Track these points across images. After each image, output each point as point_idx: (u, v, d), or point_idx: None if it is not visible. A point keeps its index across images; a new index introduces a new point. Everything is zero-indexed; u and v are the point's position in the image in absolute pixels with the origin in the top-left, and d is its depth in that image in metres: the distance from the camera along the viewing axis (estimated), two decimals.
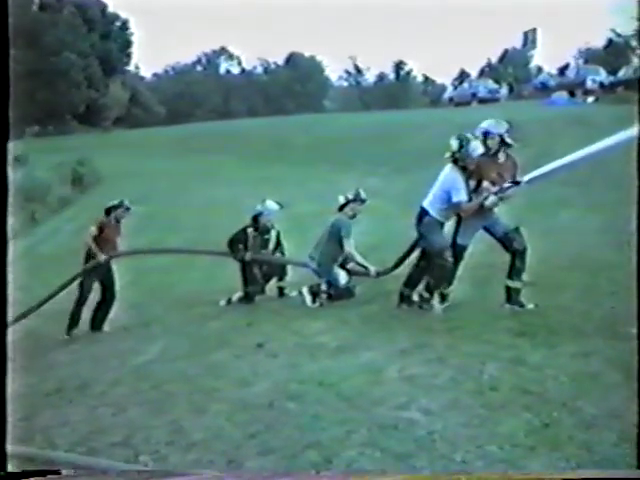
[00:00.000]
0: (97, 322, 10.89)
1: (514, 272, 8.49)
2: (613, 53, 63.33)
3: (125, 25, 65.55)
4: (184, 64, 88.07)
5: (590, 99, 40.11)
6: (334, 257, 10.03)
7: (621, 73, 43.53)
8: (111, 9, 62.92)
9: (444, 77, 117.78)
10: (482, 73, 74.68)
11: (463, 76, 74.06)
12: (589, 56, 68.40)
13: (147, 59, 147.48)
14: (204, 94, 79.90)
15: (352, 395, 5.80)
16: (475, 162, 8.36)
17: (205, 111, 74.81)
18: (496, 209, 8.47)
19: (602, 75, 44.54)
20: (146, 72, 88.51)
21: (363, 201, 10.15)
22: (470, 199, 8.38)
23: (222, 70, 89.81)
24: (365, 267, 9.98)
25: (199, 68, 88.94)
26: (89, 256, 10.72)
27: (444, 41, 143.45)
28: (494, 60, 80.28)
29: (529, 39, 69.23)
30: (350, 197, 10.10)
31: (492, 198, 8.26)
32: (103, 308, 10.97)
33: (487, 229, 8.60)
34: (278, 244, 11.36)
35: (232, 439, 5.21)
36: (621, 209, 18.17)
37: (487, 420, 5.05)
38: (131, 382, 7.13)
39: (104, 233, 10.75)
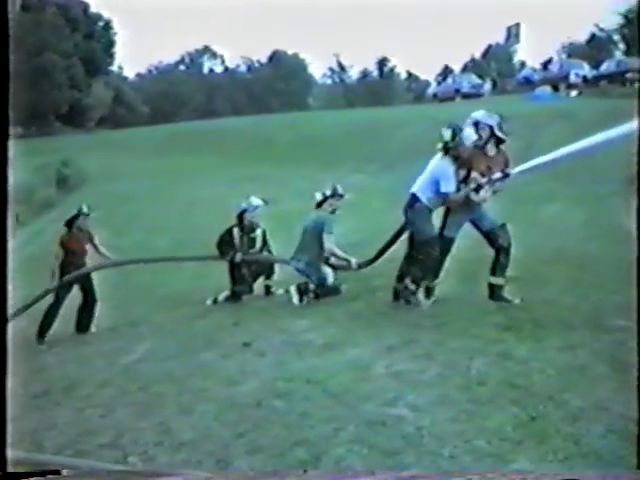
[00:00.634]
0: (83, 325, 10.85)
1: (497, 268, 8.48)
2: (596, 47, 63.68)
3: (108, 25, 65.41)
4: (167, 64, 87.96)
5: (573, 93, 40.19)
6: (320, 255, 9.99)
7: (604, 67, 43.66)
8: (94, 9, 62.83)
9: (428, 73, 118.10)
10: (465, 68, 74.87)
11: (447, 72, 74.28)
12: (572, 51, 68.59)
13: (130, 59, 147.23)
14: (188, 93, 79.72)
15: (339, 392, 5.80)
16: (467, 151, 8.31)
17: (189, 110, 74.66)
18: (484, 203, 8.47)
19: (585, 69, 44.65)
20: (129, 72, 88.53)
21: (341, 196, 10.08)
22: (459, 189, 8.33)
23: (205, 69, 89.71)
24: (346, 260, 9.95)
25: (182, 67, 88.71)
26: (63, 272, 10.66)
27: (427, 37, 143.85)
28: (477, 55, 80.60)
29: (512, 34, 69.51)
30: (328, 193, 10.06)
31: (482, 193, 8.24)
32: (87, 311, 10.93)
33: (474, 223, 8.57)
34: (265, 243, 11.35)
35: (220, 438, 5.21)
36: (606, 202, 18.35)
37: (475, 415, 5.06)
38: (119, 383, 7.13)
39: (70, 247, 10.73)
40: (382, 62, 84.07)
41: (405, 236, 9.09)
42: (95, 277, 11.22)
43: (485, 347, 6.59)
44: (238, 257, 10.81)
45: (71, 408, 6.54)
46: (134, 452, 5.15)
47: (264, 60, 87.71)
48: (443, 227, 8.64)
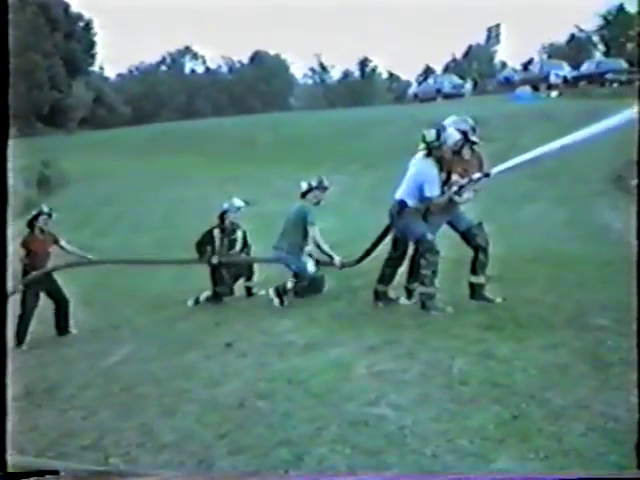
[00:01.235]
0: (62, 327, 10.77)
1: (477, 267, 8.48)
2: (576, 48, 64.07)
3: (89, 25, 65.16)
4: (149, 64, 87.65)
5: (554, 93, 40.33)
6: (301, 245, 9.95)
7: (584, 68, 43.87)
8: (74, 9, 62.54)
9: (409, 73, 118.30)
10: (447, 69, 75.17)
11: (428, 72, 74.45)
12: (552, 51, 68.98)
13: (111, 59, 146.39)
14: (169, 94, 79.52)
15: (322, 392, 5.81)
16: (449, 152, 8.27)
17: (170, 111, 74.39)
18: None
19: (565, 70, 44.84)
20: (110, 72, 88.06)
21: (325, 188, 10.06)
22: (442, 192, 8.30)
23: (187, 70, 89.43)
24: (330, 257, 9.90)
25: (164, 68, 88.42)
26: (26, 273, 10.50)
27: (409, 38, 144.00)
28: (459, 56, 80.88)
29: (492, 35, 69.80)
30: (313, 184, 10.05)
31: (466, 195, 8.25)
32: (61, 313, 10.79)
33: (451, 223, 8.58)
34: (245, 244, 11.34)
35: (203, 439, 5.20)
36: (586, 202, 18.43)
37: (457, 414, 5.08)
38: (101, 385, 7.11)
39: (31, 248, 10.56)
40: (363, 62, 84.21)
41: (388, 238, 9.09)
42: (76, 279, 11.16)
43: (467, 346, 6.61)
44: (214, 259, 10.78)
45: (53, 410, 6.51)
46: (116, 454, 5.13)
47: (245, 60, 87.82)
48: None
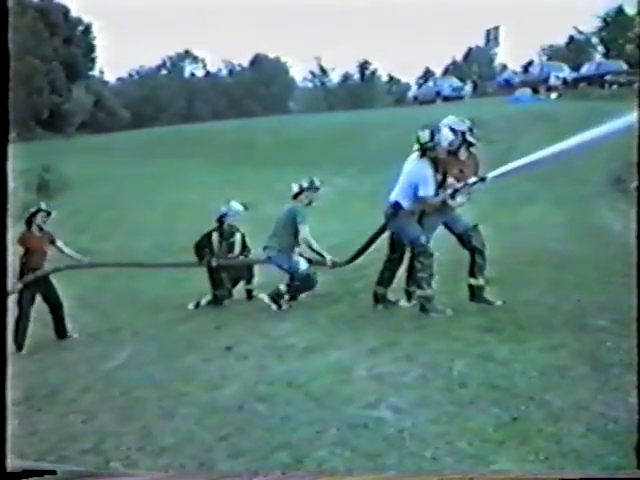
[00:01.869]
0: (59, 330, 10.72)
1: (475, 269, 8.46)
2: (575, 50, 64.05)
3: (88, 29, 65.08)
4: (148, 68, 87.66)
5: (553, 95, 40.33)
6: (292, 245, 9.94)
7: (584, 69, 43.84)
8: (74, 13, 62.51)
9: (409, 76, 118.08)
10: (447, 71, 75.02)
11: (427, 75, 74.49)
12: (552, 53, 68.93)
13: (111, 63, 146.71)
14: (169, 98, 79.53)
15: (321, 395, 5.81)
16: (444, 153, 8.26)
17: (170, 114, 74.38)
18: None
19: (565, 72, 44.79)
20: (110, 76, 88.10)
21: (317, 189, 10.08)
22: (437, 193, 8.29)
23: (187, 73, 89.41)
24: (322, 255, 9.91)
25: (164, 72, 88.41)
26: (23, 272, 10.44)
27: (409, 40, 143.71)
28: (459, 58, 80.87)
29: (492, 37, 69.70)
30: (305, 185, 10.05)
31: (459, 198, 8.25)
32: (58, 316, 10.73)
33: (447, 225, 8.57)
34: (244, 247, 11.35)
35: (203, 442, 5.20)
36: (586, 203, 18.43)
37: (456, 416, 5.07)
38: (100, 388, 7.11)
39: (29, 245, 10.51)
40: (363, 65, 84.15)
41: (385, 239, 9.08)
42: (76, 282, 11.15)
43: (466, 349, 6.60)
44: (213, 262, 10.80)
45: (53, 414, 6.51)
46: (116, 457, 5.13)
47: (245, 64, 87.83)
48: None
